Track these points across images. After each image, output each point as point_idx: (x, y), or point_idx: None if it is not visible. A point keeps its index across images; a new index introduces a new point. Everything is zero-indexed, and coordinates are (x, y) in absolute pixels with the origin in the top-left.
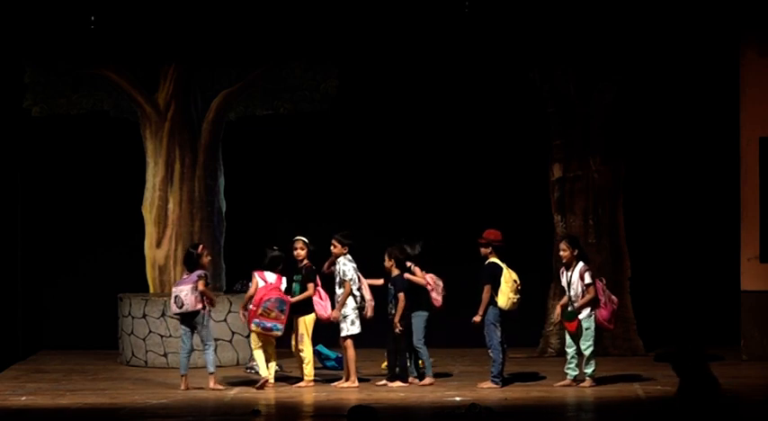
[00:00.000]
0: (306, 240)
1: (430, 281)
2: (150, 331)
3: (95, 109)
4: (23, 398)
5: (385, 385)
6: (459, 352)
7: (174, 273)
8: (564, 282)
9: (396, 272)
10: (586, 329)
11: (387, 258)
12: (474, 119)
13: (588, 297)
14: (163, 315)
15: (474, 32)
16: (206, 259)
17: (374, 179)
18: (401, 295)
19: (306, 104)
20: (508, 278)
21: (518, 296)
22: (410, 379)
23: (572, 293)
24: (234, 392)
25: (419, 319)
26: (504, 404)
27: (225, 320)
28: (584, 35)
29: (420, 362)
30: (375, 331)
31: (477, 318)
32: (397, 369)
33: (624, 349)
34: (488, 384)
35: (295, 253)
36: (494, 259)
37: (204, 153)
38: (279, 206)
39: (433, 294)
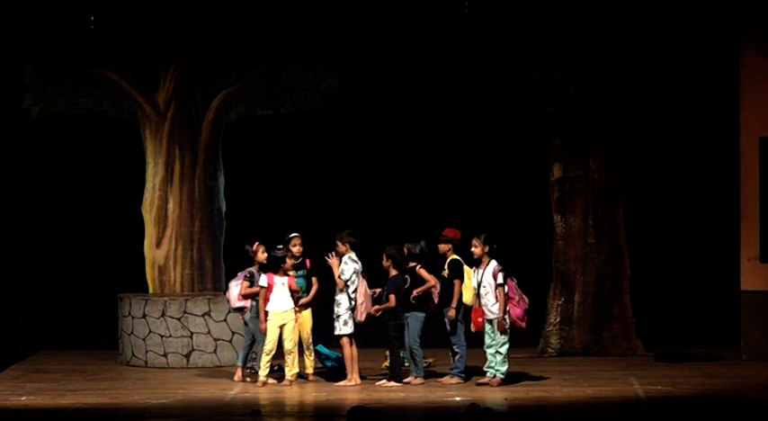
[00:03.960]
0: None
1: (432, 280)
2: (150, 331)
3: (95, 109)
4: (23, 398)
5: (385, 385)
6: None
7: (173, 272)
8: (475, 281)
9: (393, 272)
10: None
11: (384, 258)
12: (474, 119)
13: (501, 298)
14: (163, 315)
15: (474, 33)
16: (261, 256)
17: (374, 179)
18: (392, 297)
19: (306, 104)
20: (471, 274)
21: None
22: (410, 378)
23: (482, 292)
24: (234, 392)
25: (416, 320)
26: (504, 404)
27: (225, 320)
28: (585, 35)
29: (407, 362)
30: (376, 331)
31: (452, 313)
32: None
33: (624, 349)
34: (455, 380)
35: (295, 249)
36: (455, 256)
37: (204, 153)
38: (279, 206)
39: (432, 297)
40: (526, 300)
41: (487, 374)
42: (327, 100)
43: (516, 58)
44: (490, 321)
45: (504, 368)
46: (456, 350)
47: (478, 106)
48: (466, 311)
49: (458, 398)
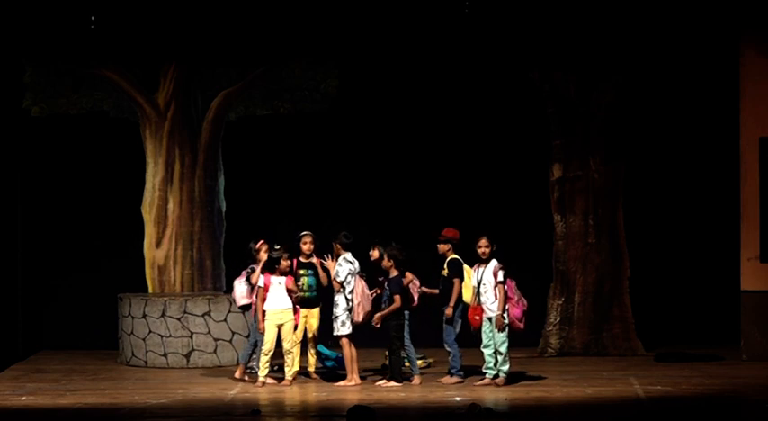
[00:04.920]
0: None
1: (409, 276)
2: (150, 331)
3: (95, 109)
4: (23, 398)
5: (385, 385)
6: None
7: (173, 272)
8: (475, 280)
9: (394, 272)
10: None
11: (386, 258)
12: (474, 119)
13: (501, 295)
14: (163, 315)
15: (474, 33)
16: (264, 255)
17: (374, 179)
18: (397, 297)
19: (306, 104)
20: (471, 273)
21: None
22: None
23: (482, 290)
24: (234, 392)
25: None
26: (504, 404)
27: (225, 320)
28: (585, 35)
29: (407, 362)
30: (376, 331)
31: (449, 311)
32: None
33: (624, 349)
34: (455, 379)
35: (305, 247)
36: (454, 255)
37: (204, 153)
38: (279, 206)
39: (410, 292)
40: (524, 301)
41: (486, 375)
42: (327, 100)
43: (516, 58)
44: (489, 319)
45: (506, 367)
46: (448, 349)
47: (479, 106)
48: (466, 310)
49: (458, 398)
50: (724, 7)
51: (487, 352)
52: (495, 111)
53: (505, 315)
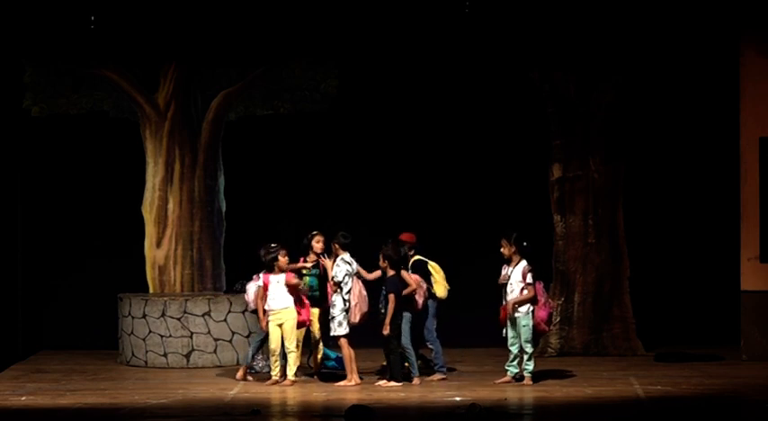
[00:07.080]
0: None
1: (414, 283)
2: (150, 331)
3: (95, 109)
4: (23, 398)
5: (385, 385)
6: (458, 352)
7: (173, 272)
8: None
9: (391, 272)
10: (524, 326)
11: (381, 259)
12: (474, 119)
13: (527, 295)
14: (163, 315)
15: (474, 33)
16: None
17: (374, 179)
18: (391, 296)
19: (306, 104)
20: (438, 269)
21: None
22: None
23: (509, 289)
24: (234, 392)
25: (404, 321)
26: (504, 404)
27: (225, 320)
28: (585, 35)
29: (407, 363)
30: (375, 330)
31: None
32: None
33: (624, 349)
34: (438, 376)
35: (318, 245)
36: (417, 257)
37: (204, 153)
38: (279, 206)
39: (416, 296)
40: (551, 303)
41: (508, 373)
42: (327, 100)
43: (516, 58)
44: (514, 319)
45: (531, 367)
46: (429, 346)
47: (479, 106)
48: (439, 307)
49: (458, 398)
50: (724, 7)
51: (513, 350)
52: (495, 111)
53: (529, 313)
